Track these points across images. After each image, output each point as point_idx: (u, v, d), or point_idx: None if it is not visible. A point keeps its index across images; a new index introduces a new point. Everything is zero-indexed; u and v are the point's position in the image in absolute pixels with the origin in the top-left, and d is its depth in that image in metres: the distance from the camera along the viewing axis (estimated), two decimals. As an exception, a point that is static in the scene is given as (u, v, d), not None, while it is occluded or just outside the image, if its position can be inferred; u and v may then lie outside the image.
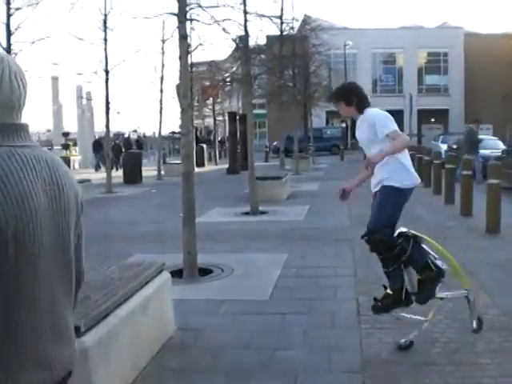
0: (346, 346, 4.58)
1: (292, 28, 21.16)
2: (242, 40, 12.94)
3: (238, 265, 7.41)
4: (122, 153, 28.41)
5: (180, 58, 7.03)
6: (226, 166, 27.54)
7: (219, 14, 17.00)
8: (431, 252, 4.58)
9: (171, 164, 27.17)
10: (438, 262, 4.51)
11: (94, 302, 3.77)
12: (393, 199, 4.52)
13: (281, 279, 6.74)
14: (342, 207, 12.87)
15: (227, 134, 36.22)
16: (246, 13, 12.10)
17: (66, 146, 34.43)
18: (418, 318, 4.65)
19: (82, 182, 16.84)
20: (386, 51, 51.80)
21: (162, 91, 23.52)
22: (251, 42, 13.39)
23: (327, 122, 50.01)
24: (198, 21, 7.83)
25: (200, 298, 6.13)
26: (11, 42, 13.23)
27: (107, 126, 19.28)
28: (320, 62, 27.07)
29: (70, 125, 43.86)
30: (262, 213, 12.35)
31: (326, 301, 5.87)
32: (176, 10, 7.07)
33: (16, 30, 13.19)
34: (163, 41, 21.60)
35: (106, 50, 18.01)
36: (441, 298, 4.63)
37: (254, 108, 14.25)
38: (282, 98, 21.58)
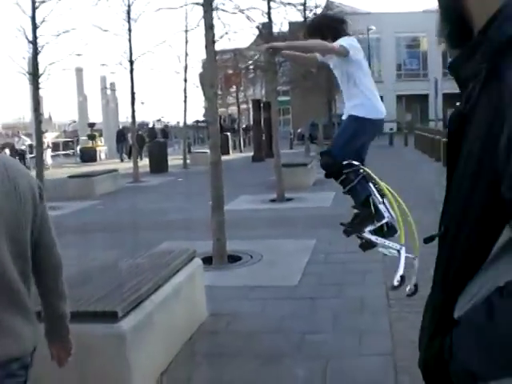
0: (376, 330, 4.64)
1: (315, 14, 21.07)
2: (266, 27, 12.96)
3: (266, 251, 7.49)
4: (146, 143, 28.53)
5: (206, 47, 7.09)
6: (251, 153, 27.58)
7: (243, 3, 16.96)
8: (378, 196, 4.47)
9: (196, 153, 27.32)
10: (381, 207, 4.42)
11: (129, 288, 3.88)
12: (353, 127, 4.48)
13: (309, 265, 6.81)
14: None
15: (251, 122, 36.22)
16: (269, 1, 12.12)
17: (91, 137, 34.71)
18: (409, 255, 4.30)
19: (109, 172, 17.09)
20: (409, 35, 51.21)
21: (185, 80, 23.64)
22: (275, 29, 13.40)
23: (352, 108, 49.72)
24: (224, 10, 7.87)
25: (230, 284, 6.23)
26: (37, 34, 13.35)
27: (133, 117, 19.44)
28: (344, 47, 26.90)
29: (95, 115, 44.30)
30: (289, 200, 12.41)
31: (355, 286, 5.93)
32: (201, 0, 7.14)
33: (41, 23, 13.30)
34: (187, 30, 21.70)
35: (130, 40, 18.14)
36: (374, 245, 4.45)
37: (277, 95, 14.26)
38: (305, 85, 21.52)
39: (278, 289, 5.97)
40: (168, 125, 50.20)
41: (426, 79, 48.38)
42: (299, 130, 39.99)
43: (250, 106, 40.04)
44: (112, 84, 34.00)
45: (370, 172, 4.49)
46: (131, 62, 18.24)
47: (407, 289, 4.05)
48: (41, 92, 14.05)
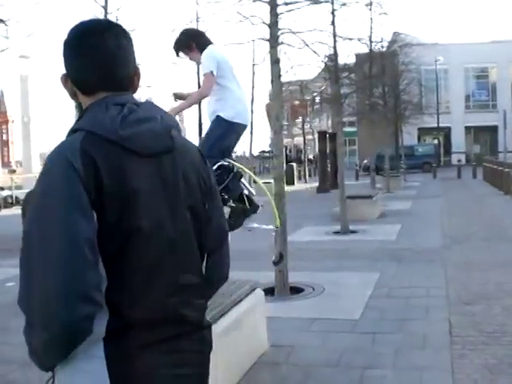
0: (436, 367, 4.57)
1: (381, 46, 21.10)
2: (332, 60, 13.05)
3: (328, 284, 7.48)
4: None
5: (272, 81, 7.23)
6: (316, 184, 27.59)
7: (309, 37, 17.10)
8: (249, 188, 4.83)
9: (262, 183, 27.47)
10: (254, 198, 4.75)
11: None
12: (220, 130, 4.63)
13: (372, 299, 6.77)
14: (435, 227, 12.73)
15: (317, 153, 36.26)
16: (335, 36, 12.23)
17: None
18: (269, 227, 4.94)
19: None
20: (478, 66, 50.48)
21: (252, 112, 23.98)
22: (340, 61, 13.47)
23: (419, 140, 49.16)
24: (290, 45, 8.01)
25: (291, 316, 6.25)
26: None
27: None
28: (410, 78, 26.76)
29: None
30: (353, 232, 12.35)
31: (418, 321, 5.86)
32: (267, 36, 7.30)
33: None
34: (254, 64, 22.10)
35: (198, 73, 18.58)
36: (249, 230, 4.86)
37: (343, 126, 14.29)
38: (372, 117, 21.48)
39: (339, 322, 5.95)
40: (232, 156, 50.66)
41: (495, 110, 47.42)
42: (365, 161, 39.77)
43: (316, 136, 40.18)
44: (180, 114, 34.74)
45: (240, 167, 4.78)
46: (200, 94, 18.63)
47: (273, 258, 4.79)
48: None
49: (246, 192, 4.76)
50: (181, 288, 1.66)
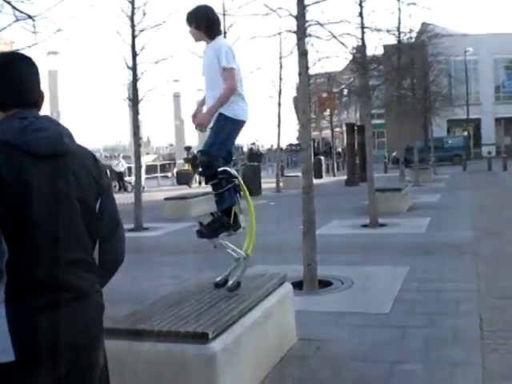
0: (467, 361, 4.52)
1: (410, 37, 20.86)
2: (359, 51, 12.95)
3: (357, 277, 7.44)
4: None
5: (299, 74, 7.19)
6: (344, 177, 27.47)
7: (337, 29, 17.00)
8: (240, 206, 4.74)
9: (289, 176, 27.47)
10: (240, 217, 4.69)
11: (221, 310, 3.98)
12: (227, 130, 4.64)
13: (401, 293, 6.71)
14: (464, 219, 12.59)
15: (345, 145, 36.09)
16: (363, 27, 12.13)
17: (188, 160, 35.51)
18: (239, 252, 4.68)
19: (204, 194, 17.42)
20: (508, 56, 49.66)
21: (280, 105, 23.90)
22: (368, 53, 13.35)
23: (448, 132, 48.61)
24: (317, 37, 7.96)
25: (320, 309, 6.23)
26: (137, 62, 13.89)
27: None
28: (439, 70, 26.44)
29: (192, 139, 45.37)
30: (382, 225, 12.27)
31: (448, 315, 5.79)
32: (295, 28, 7.26)
33: (141, 50, 13.83)
34: (281, 57, 21.98)
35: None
36: (215, 246, 4.74)
37: (372, 118, 14.17)
38: (400, 109, 21.28)
39: (368, 316, 5.92)
40: (259, 149, 50.76)
41: (526, 101, 46.73)
42: (394, 154, 39.48)
43: (344, 129, 39.96)
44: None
45: (241, 183, 4.74)
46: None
47: (229, 283, 4.55)
48: (140, 116, 14.58)
49: (235, 208, 4.71)
50: (69, 262, 2.06)
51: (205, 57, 4.82)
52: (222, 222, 4.68)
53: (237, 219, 4.70)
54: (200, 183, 29.46)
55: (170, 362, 3.64)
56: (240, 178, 4.79)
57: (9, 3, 8.73)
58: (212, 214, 4.78)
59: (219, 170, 4.63)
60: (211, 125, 4.70)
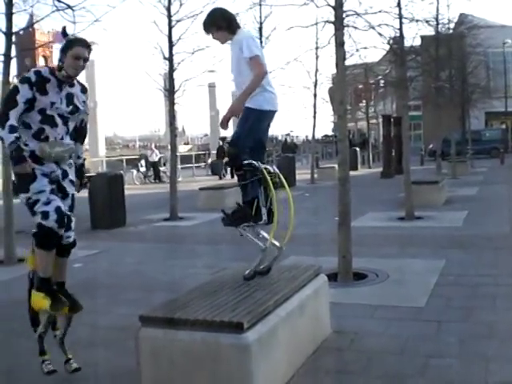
0: (504, 357, 4.45)
1: (448, 28, 20.55)
2: (397, 42, 12.79)
3: (393, 270, 7.38)
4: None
5: (337, 64, 7.15)
6: (380, 169, 27.26)
7: (374, 19, 16.87)
8: (264, 200, 4.72)
9: (324, 168, 27.38)
10: (263, 210, 4.70)
11: (257, 300, 3.99)
12: (250, 121, 4.67)
13: (437, 287, 6.64)
14: (502, 213, 12.40)
15: (381, 137, 35.80)
16: (400, 17, 11.98)
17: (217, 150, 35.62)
18: (275, 243, 4.72)
19: (233, 186, 17.41)
20: (547, 49, 48.54)
21: (315, 96, 23.78)
22: (406, 44, 13.19)
23: (486, 124, 47.84)
24: (355, 27, 7.88)
25: (355, 302, 6.20)
26: (173, 52, 13.94)
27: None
28: (478, 61, 26.00)
29: (227, 130, 45.37)
30: (418, 218, 12.15)
31: (484, 310, 5.72)
32: (333, 18, 7.20)
33: (177, 41, 13.88)
34: (317, 47, 21.84)
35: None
36: (241, 234, 4.77)
37: (408, 110, 14.02)
38: (438, 100, 21.00)
39: (403, 309, 5.87)
40: (294, 140, 50.61)
41: None
42: (431, 146, 39.04)
43: (380, 120, 39.60)
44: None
45: (266, 177, 4.69)
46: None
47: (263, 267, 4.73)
48: (176, 107, 14.66)
49: (259, 201, 4.74)
50: None
51: (231, 53, 4.86)
52: (245, 213, 4.74)
53: (259, 212, 4.72)
54: (232, 175, 29.45)
55: (204, 351, 3.67)
56: (265, 172, 4.74)
57: (50, -6, 8.89)
58: (238, 204, 4.84)
59: (245, 162, 4.67)
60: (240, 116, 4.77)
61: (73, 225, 4.51)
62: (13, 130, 4.15)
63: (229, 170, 29.67)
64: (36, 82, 4.30)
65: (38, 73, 4.36)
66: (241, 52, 4.64)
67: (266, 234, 4.75)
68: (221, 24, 4.79)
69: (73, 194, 4.56)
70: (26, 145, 4.30)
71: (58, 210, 4.20)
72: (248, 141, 4.73)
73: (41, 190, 4.25)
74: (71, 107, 4.48)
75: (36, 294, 4.35)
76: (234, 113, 4.72)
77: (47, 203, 4.20)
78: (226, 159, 4.98)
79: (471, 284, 6.71)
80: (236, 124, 4.82)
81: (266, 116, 4.81)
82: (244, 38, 4.71)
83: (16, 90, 4.30)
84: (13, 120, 4.18)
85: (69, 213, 4.39)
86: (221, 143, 32.93)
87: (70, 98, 4.47)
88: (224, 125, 4.77)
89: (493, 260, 7.91)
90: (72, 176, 4.58)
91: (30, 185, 4.26)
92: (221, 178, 29.63)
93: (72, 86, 4.50)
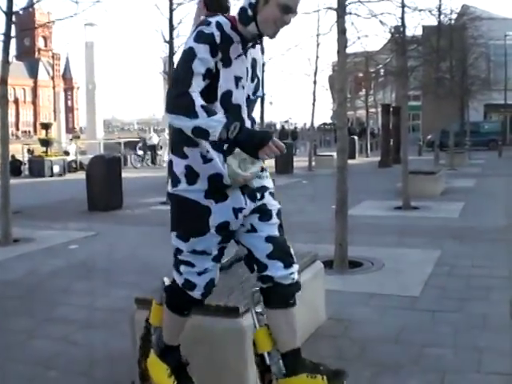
0: (496, 348, 4.48)
1: (450, 19, 20.49)
2: (398, 31, 12.76)
3: (388, 259, 7.41)
4: None
5: (338, 52, 7.12)
6: (378, 158, 27.27)
7: (377, 8, 16.76)
8: None
9: (322, 156, 27.38)
10: None
11: (253, 285, 3.99)
12: None
13: (432, 277, 6.67)
14: (498, 206, 12.43)
15: (379, 126, 35.78)
16: (403, 6, 11.94)
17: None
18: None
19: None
20: (549, 42, 48.43)
21: (315, 83, 23.73)
22: (408, 33, 13.15)
23: (485, 116, 47.83)
24: (357, 15, 7.85)
25: (350, 290, 6.22)
26: (173, 36, 13.89)
27: (261, 118, 19.75)
28: (479, 53, 25.96)
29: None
30: (414, 208, 12.18)
31: (478, 301, 5.74)
32: (335, 5, 7.18)
33: (178, 24, 13.82)
34: (318, 34, 21.78)
35: (261, 43, 18.39)
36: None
37: (408, 100, 14.01)
38: (438, 91, 20.98)
39: (398, 298, 5.90)
40: (297, 127, 50.53)
41: None
42: (429, 137, 39.04)
43: (379, 110, 39.55)
44: (243, 85, 34.67)
45: None
46: (262, 64, 18.47)
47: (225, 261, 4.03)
48: (176, 91, 14.59)
49: None
50: None
51: None
52: None
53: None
54: None
55: (200, 335, 3.68)
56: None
57: (50, -28, 8.84)
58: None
59: None
60: None
61: (294, 258, 3.21)
62: (209, 110, 2.62)
63: None
64: (221, 44, 2.77)
65: (219, 27, 2.78)
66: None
67: None
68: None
69: (278, 210, 3.23)
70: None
71: (209, 284, 3.12)
72: None
73: (202, 252, 3.01)
74: (255, 82, 3.04)
75: (157, 363, 3.30)
76: None
77: (200, 273, 3.06)
78: None
79: (466, 275, 6.74)
80: None
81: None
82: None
83: (192, 53, 2.71)
84: (199, 98, 2.64)
85: (280, 237, 3.14)
86: None
87: (254, 69, 3.02)
88: None
89: (488, 252, 7.94)
90: (269, 182, 3.15)
91: (193, 235, 2.96)
92: None
93: (254, 46, 3.01)
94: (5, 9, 9.11)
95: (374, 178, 19.96)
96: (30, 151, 26.29)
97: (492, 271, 6.90)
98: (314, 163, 24.91)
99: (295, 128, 48.83)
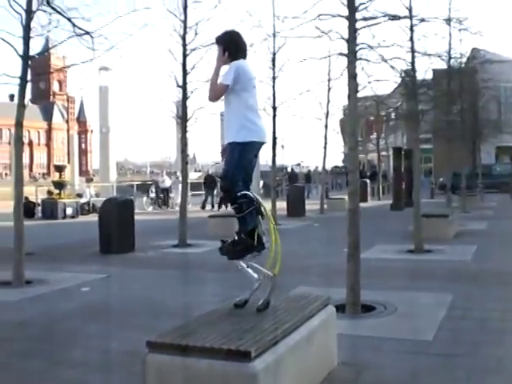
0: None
1: (460, 63, 20.67)
2: (409, 75, 12.88)
3: (401, 303, 7.35)
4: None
5: (349, 96, 7.21)
6: (390, 201, 27.23)
7: (387, 53, 17.02)
8: (263, 227, 4.75)
9: (334, 199, 27.39)
10: (264, 238, 4.71)
11: (265, 329, 3.99)
12: (236, 155, 4.75)
13: (445, 320, 6.61)
14: (511, 248, 12.34)
15: (391, 169, 35.81)
16: (413, 51, 12.08)
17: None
18: (267, 272, 4.70)
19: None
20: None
21: (326, 126, 23.88)
22: (418, 77, 13.28)
23: (496, 159, 47.79)
24: (368, 60, 7.96)
25: (362, 334, 6.17)
26: (187, 81, 14.09)
27: (273, 161, 19.86)
28: (489, 96, 26.09)
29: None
30: (427, 251, 12.10)
31: (493, 345, 5.68)
32: (345, 51, 7.29)
33: (192, 69, 14.03)
34: (329, 79, 22.00)
35: (274, 87, 18.62)
36: (240, 267, 4.76)
37: (419, 143, 14.07)
38: (449, 134, 21.06)
39: (411, 342, 5.84)
40: (310, 170, 50.58)
41: None
42: (441, 180, 38.99)
43: (390, 153, 39.63)
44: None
45: (261, 205, 4.79)
46: (274, 109, 18.68)
47: (239, 299, 4.76)
48: (187, 134, 14.75)
49: (258, 229, 4.78)
50: None
51: None
52: (246, 244, 4.75)
53: (261, 240, 4.76)
54: (220, 207, 28.19)
55: (211, 378, 3.67)
56: (260, 201, 4.84)
57: (69, 20, 9.08)
58: (237, 233, 4.86)
59: (239, 194, 4.75)
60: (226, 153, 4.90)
61: None
62: None
63: (216, 201, 29.51)
64: None
65: None
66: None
67: (257, 265, 4.81)
68: (227, 46, 4.92)
69: None
70: None
71: None
72: (238, 174, 4.82)
73: None
74: None
75: None
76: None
77: None
78: (221, 194, 5.01)
79: (479, 318, 6.67)
80: (225, 160, 4.93)
81: (250, 148, 4.88)
82: (226, 69, 4.84)
83: None
84: None
85: None
86: (209, 172, 32.72)
87: None
88: None
89: (501, 295, 7.86)
90: None
91: None
92: (203, 208, 28.64)
93: None
94: (21, 53, 9.30)
95: (386, 221, 19.91)
96: (49, 193, 26.47)
97: (505, 314, 6.83)
98: (325, 206, 24.92)
99: (309, 171, 48.80)
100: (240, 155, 4.80)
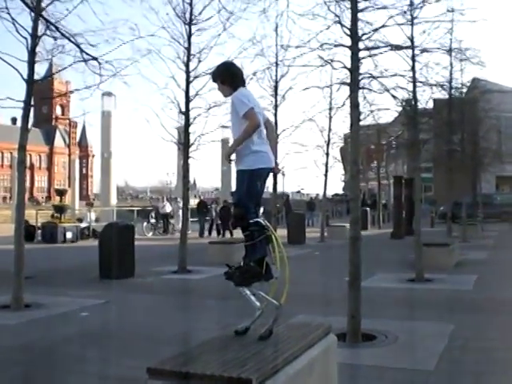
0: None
1: (461, 93, 20.81)
2: (410, 104, 12.96)
3: (402, 332, 7.31)
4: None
5: (351, 125, 7.25)
6: (390, 230, 27.21)
7: (389, 82, 17.13)
8: (272, 256, 4.71)
9: (334, 226, 27.37)
10: (273, 268, 4.68)
11: (266, 357, 3.96)
12: (245, 182, 4.72)
13: (447, 350, 6.57)
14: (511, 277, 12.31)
15: (391, 198, 35.86)
16: (414, 81, 12.17)
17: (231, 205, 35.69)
18: (273, 301, 4.61)
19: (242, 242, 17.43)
20: None
21: (327, 154, 23.94)
22: (419, 106, 13.35)
23: (497, 188, 47.88)
24: (370, 89, 8.02)
25: (363, 363, 6.13)
26: (190, 107, 14.17)
27: (274, 188, 19.90)
28: (490, 126, 26.19)
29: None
30: (428, 280, 12.06)
31: (495, 375, 5.65)
32: (348, 80, 7.35)
33: (195, 96, 14.13)
34: (331, 108, 22.10)
35: (275, 115, 18.73)
36: (244, 294, 4.64)
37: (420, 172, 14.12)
38: (449, 163, 21.11)
39: (412, 372, 5.80)
40: (312, 197, 50.50)
41: None
42: (441, 209, 38.99)
43: (391, 181, 39.71)
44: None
45: (273, 233, 4.75)
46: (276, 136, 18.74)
47: (241, 326, 4.62)
48: (189, 160, 14.79)
49: (267, 258, 4.75)
50: None
51: (231, 109, 4.96)
52: (254, 272, 4.70)
53: (269, 269, 4.73)
54: (210, 233, 29.12)
55: (212, 406, 3.63)
56: (271, 229, 4.81)
57: (78, 46, 9.19)
58: (244, 258, 4.81)
59: (251, 221, 4.71)
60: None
61: None
62: None
63: (213, 227, 29.64)
64: None
65: None
66: (236, 113, 4.76)
67: (263, 294, 4.71)
68: (224, 78, 4.93)
69: None
70: None
71: None
72: (250, 201, 4.80)
73: None
74: None
75: None
76: (226, 157, 4.88)
77: None
78: (231, 220, 4.98)
79: (481, 348, 6.64)
80: (235, 188, 4.91)
81: (258, 174, 4.85)
82: (235, 97, 4.80)
83: None
84: None
85: None
86: (201, 197, 32.60)
87: None
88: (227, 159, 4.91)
89: (503, 324, 7.84)
90: None
91: None
92: (201, 236, 28.40)
93: None
94: (26, 77, 9.36)
95: (387, 250, 19.87)
96: (53, 217, 26.46)
97: (508, 343, 6.80)
98: (326, 234, 24.88)
99: (311, 198, 48.72)
100: (248, 182, 4.79)
